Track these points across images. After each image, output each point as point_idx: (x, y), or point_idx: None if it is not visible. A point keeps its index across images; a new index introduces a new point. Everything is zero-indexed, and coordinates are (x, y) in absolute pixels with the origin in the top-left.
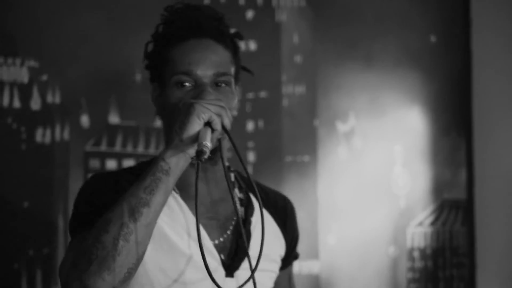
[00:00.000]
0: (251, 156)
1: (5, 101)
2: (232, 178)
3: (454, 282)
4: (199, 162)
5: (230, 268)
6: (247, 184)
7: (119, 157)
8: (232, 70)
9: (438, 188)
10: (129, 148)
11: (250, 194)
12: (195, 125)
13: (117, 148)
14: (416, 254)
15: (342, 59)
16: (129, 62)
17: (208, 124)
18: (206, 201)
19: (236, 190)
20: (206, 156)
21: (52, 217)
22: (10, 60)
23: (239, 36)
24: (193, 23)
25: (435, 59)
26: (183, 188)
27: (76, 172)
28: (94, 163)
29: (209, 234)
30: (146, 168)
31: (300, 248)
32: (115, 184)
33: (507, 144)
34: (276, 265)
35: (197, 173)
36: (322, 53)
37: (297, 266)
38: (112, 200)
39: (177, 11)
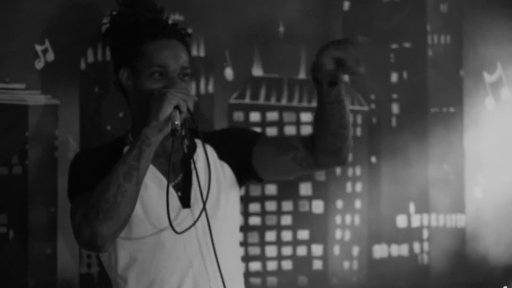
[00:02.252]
0: (394, 108)
1: None
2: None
3: None
4: (174, 138)
5: (185, 200)
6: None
7: (263, 109)
8: (189, 65)
9: None
10: (273, 101)
11: (196, 140)
12: (167, 109)
13: (261, 100)
14: None
15: (489, 6)
16: (273, 14)
17: (177, 107)
18: (164, 154)
19: (185, 140)
20: (178, 133)
21: None
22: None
23: (189, 36)
24: (160, 25)
25: None
26: None
27: (220, 124)
28: (238, 116)
29: (170, 178)
30: (119, 142)
31: (445, 202)
32: (98, 157)
33: None
34: (233, 182)
35: (172, 146)
36: (468, 0)
37: (442, 220)
38: (97, 169)
39: (128, 2)
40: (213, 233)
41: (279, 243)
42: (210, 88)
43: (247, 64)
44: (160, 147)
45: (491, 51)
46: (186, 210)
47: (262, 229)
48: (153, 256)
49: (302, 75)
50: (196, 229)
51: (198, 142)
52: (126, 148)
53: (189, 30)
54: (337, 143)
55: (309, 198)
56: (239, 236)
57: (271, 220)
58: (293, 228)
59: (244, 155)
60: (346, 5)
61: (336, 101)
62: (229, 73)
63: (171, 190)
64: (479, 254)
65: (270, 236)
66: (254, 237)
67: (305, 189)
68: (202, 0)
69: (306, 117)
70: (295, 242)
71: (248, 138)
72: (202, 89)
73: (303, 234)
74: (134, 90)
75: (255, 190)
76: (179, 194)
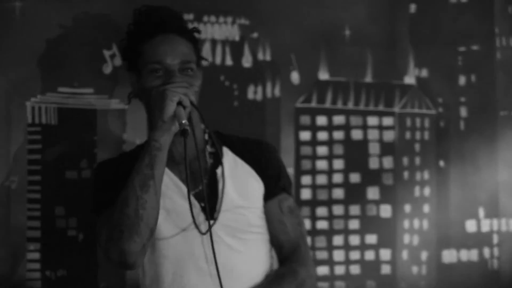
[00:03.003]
0: (463, 111)
1: (218, 59)
2: (206, 137)
3: None
4: (185, 137)
5: (210, 212)
6: (223, 140)
7: (329, 113)
8: (194, 58)
9: None
10: (339, 104)
11: (223, 147)
12: (170, 107)
13: (327, 104)
14: None
15: None
16: (338, 17)
17: (179, 103)
18: (183, 161)
19: (208, 147)
20: (189, 133)
21: None
22: (221, 19)
23: (197, 30)
24: (158, 22)
25: None
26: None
27: (287, 128)
28: (305, 120)
29: (192, 187)
30: (139, 150)
31: None
32: (118, 168)
33: None
34: (257, 200)
35: (185, 149)
36: None
37: None
38: (118, 182)
39: (143, 13)
40: (236, 247)
41: (346, 247)
42: (277, 92)
43: (313, 68)
44: (177, 153)
45: None
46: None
47: (329, 233)
48: (179, 265)
49: (368, 78)
50: (220, 238)
51: (226, 150)
52: None
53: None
54: None
55: (377, 202)
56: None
57: (338, 224)
58: (361, 232)
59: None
60: (413, 8)
61: None
62: (295, 77)
63: (192, 199)
64: None
65: (338, 240)
66: (321, 241)
67: (372, 193)
68: (268, 5)
69: (373, 121)
70: (363, 247)
71: (275, 181)
72: (269, 93)
73: (371, 239)
74: (141, 92)
75: (322, 194)
76: (202, 204)
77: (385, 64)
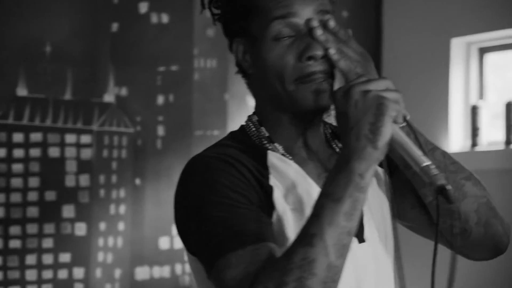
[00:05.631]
0: (160, 130)
1: None
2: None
3: None
4: (451, 202)
5: (359, 232)
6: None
7: (27, 130)
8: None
9: None
10: (37, 121)
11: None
12: (389, 128)
13: (25, 121)
14: None
15: None
16: (39, 33)
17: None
18: (319, 164)
19: (336, 141)
20: (452, 197)
21: None
22: None
23: None
24: None
25: None
26: (292, 151)
27: None
28: (1, 136)
29: None
30: (244, 141)
31: None
32: (241, 168)
33: (414, 120)
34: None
35: (436, 230)
36: None
37: None
38: (245, 189)
39: None
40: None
41: (39, 266)
42: None
43: (11, 84)
44: (305, 145)
45: None
46: (362, 246)
47: (22, 252)
48: None
49: (68, 95)
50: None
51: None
52: (270, 154)
53: None
54: None
55: (72, 221)
56: None
57: (32, 243)
58: (55, 251)
59: None
60: (115, 27)
61: None
62: None
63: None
64: None
65: (31, 259)
66: (14, 260)
67: (68, 211)
68: None
69: (71, 138)
70: (56, 265)
71: None
72: None
73: (65, 257)
74: (255, 68)
75: (16, 213)
76: None
77: (85, 82)
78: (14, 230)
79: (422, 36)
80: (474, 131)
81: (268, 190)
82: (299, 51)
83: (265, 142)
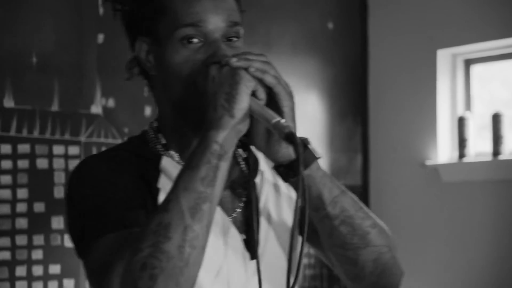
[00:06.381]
0: None
1: None
2: None
3: None
4: (296, 147)
5: (251, 247)
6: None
7: (14, 141)
8: (240, 20)
9: (334, 174)
10: (24, 133)
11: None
12: (245, 96)
13: (12, 132)
14: None
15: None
16: (26, 44)
17: (252, 94)
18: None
19: (240, 150)
20: (297, 138)
21: None
22: None
23: None
24: None
25: (332, 45)
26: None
27: None
28: None
29: (226, 210)
30: (140, 147)
31: None
32: (118, 171)
33: (402, 131)
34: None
35: (299, 161)
36: None
37: None
38: (132, 191)
39: None
40: None
41: (30, 278)
42: None
43: None
44: None
45: None
46: (252, 263)
47: (12, 264)
48: None
49: (55, 107)
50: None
51: (261, 155)
52: (164, 160)
53: None
54: None
55: (62, 232)
56: None
57: (21, 254)
58: (44, 262)
59: None
60: (101, 38)
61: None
62: None
63: (233, 230)
64: None
65: (21, 271)
66: (4, 272)
67: (57, 222)
68: None
69: (59, 150)
70: (46, 277)
71: None
72: None
73: (55, 269)
74: (158, 70)
75: (5, 224)
76: (243, 236)
77: (72, 93)
78: (4, 241)
79: (408, 48)
80: (462, 143)
81: (155, 192)
82: (206, 56)
83: (161, 149)
